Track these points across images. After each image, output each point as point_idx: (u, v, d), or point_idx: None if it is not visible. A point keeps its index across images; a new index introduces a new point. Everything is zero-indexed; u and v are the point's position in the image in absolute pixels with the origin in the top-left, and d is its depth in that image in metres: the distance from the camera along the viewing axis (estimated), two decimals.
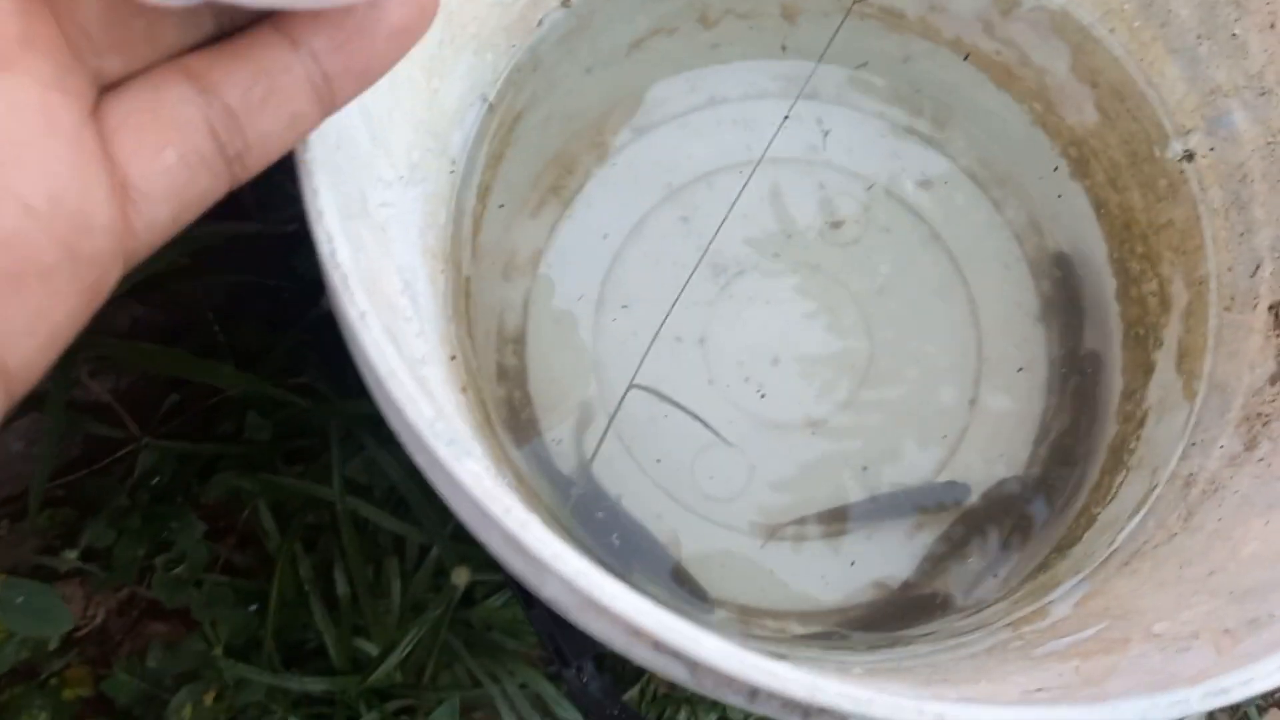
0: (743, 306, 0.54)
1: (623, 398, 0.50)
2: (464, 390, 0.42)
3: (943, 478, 0.53)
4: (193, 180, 0.19)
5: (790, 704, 0.27)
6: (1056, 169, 0.53)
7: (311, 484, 0.50)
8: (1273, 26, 0.40)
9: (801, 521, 0.52)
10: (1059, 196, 0.53)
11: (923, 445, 0.53)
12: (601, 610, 0.27)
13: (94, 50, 0.18)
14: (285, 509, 0.52)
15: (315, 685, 0.51)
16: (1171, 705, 0.25)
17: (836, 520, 0.52)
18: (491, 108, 0.46)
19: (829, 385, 0.54)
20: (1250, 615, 0.29)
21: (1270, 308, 0.41)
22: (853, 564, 0.51)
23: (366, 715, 0.52)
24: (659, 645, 0.27)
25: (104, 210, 0.18)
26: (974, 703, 0.26)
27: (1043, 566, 0.48)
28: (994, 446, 0.52)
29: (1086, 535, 0.46)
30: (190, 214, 0.19)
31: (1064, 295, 0.54)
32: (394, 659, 0.51)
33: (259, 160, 0.20)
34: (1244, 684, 0.25)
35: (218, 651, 0.50)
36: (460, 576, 0.52)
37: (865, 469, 0.53)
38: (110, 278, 0.18)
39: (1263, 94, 0.41)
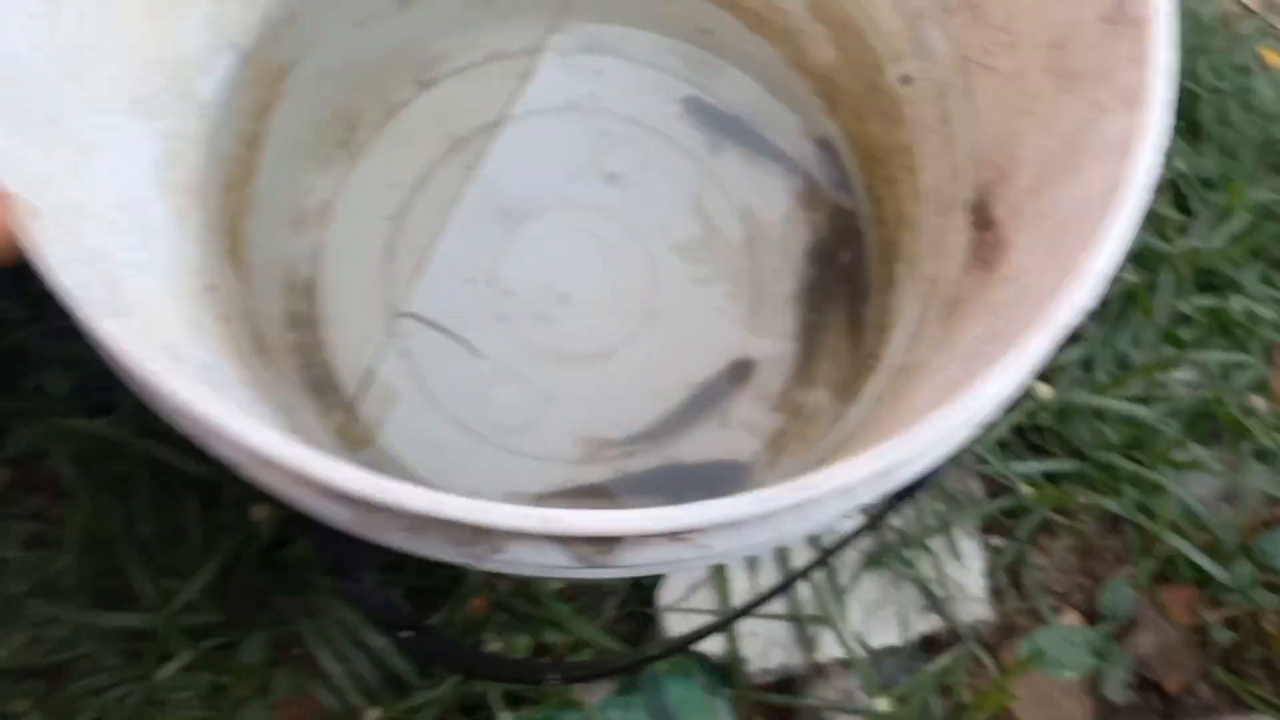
0: (530, 247, 0.57)
1: (389, 324, 0.53)
2: (227, 320, 0.45)
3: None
4: None
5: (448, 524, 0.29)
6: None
7: (105, 427, 0.53)
8: None
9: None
10: (818, 135, 0.57)
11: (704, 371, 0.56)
12: (266, 461, 0.29)
13: None
14: (87, 457, 0.54)
15: (125, 621, 0.53)
16: (768, 498, 0.28)
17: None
18: (246, 57, 0.48)
19: (615, 318, 0.57)
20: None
21: (966, 204, 0.45)
22: None
23: (181, 653, 0.54)
24: (326, 490, 0.30)
25: None
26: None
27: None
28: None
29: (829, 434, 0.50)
30: None
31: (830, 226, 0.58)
32: (191, 590, 0.53)
33: None
34: (802, 487, 0.29)
35: (19, 591, 0.52)
36: (259, 513, 0.54)
37: (655, 395, 0.56)
38: None
39: (948, 10, 0.45)
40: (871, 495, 0.31)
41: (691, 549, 0.31)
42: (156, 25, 0.42)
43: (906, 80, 0.49)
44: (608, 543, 0.30)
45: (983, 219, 0.43)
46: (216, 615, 0.55)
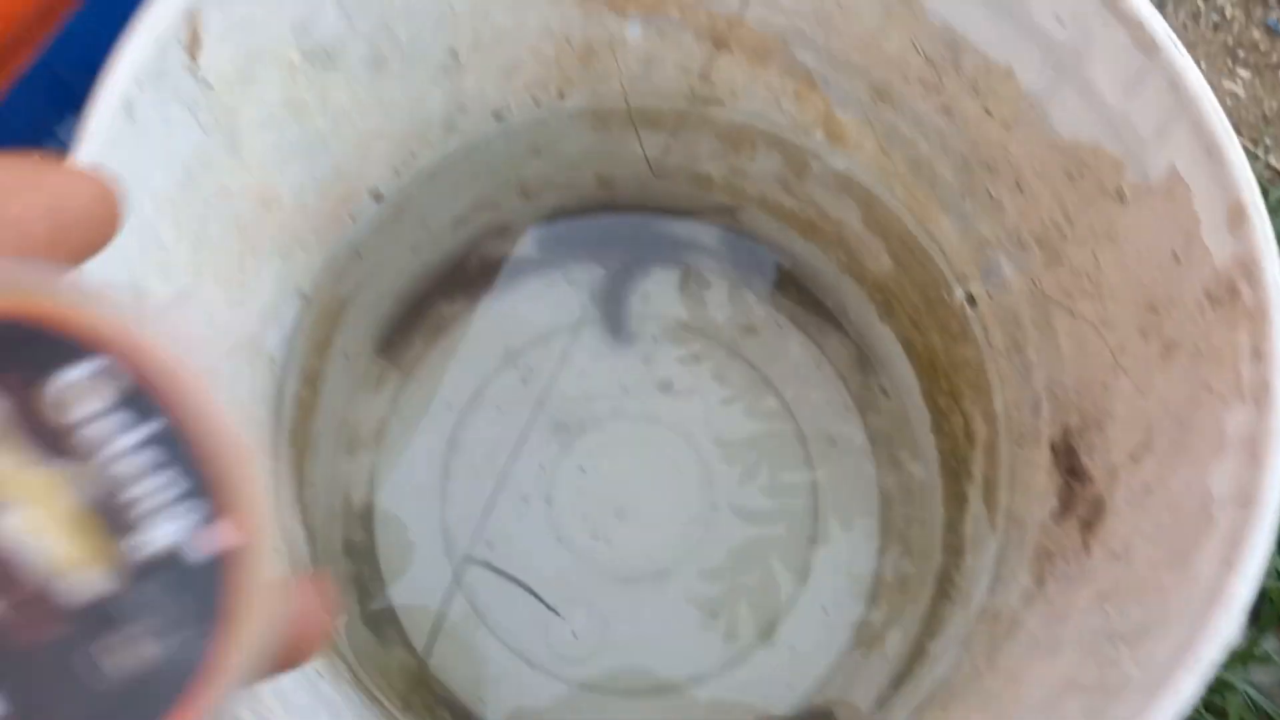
0: (585, 462, 0.56)
1: (457, 576, 0.51)
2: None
3: (795, 607, 0.54)
4: None
5: None
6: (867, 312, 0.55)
7: None
8: (1019, 188, 0.43)
9: None
10: (873, 337, 0.56)
11: (768, 591, 0.54)
12: None
13: None
14: None
15: None
16: None
17: None
18: (309, 301, 0.47)
19: (673, 536, 0.55)
20: None
21: (1050, 444, 0.43)
22: None
23: None
24: None
25: None
26: None
27: (880, 701, 0.49)
28: (837, 585, 0.54)
29: (918, 669, 0.48)
30: None
31: (889, 428, 0.56)
32: None
33: None
34: None
35: None
36: None
37: (715, 617, 0.54)
38: None
39: (1021, 247, 0.44)
40: None
41: None
42: (231, 294, 0.40)
43: (972, 301, 0.48)
44: None
45: (1072, 467, 0.41)
46: None
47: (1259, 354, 0.32)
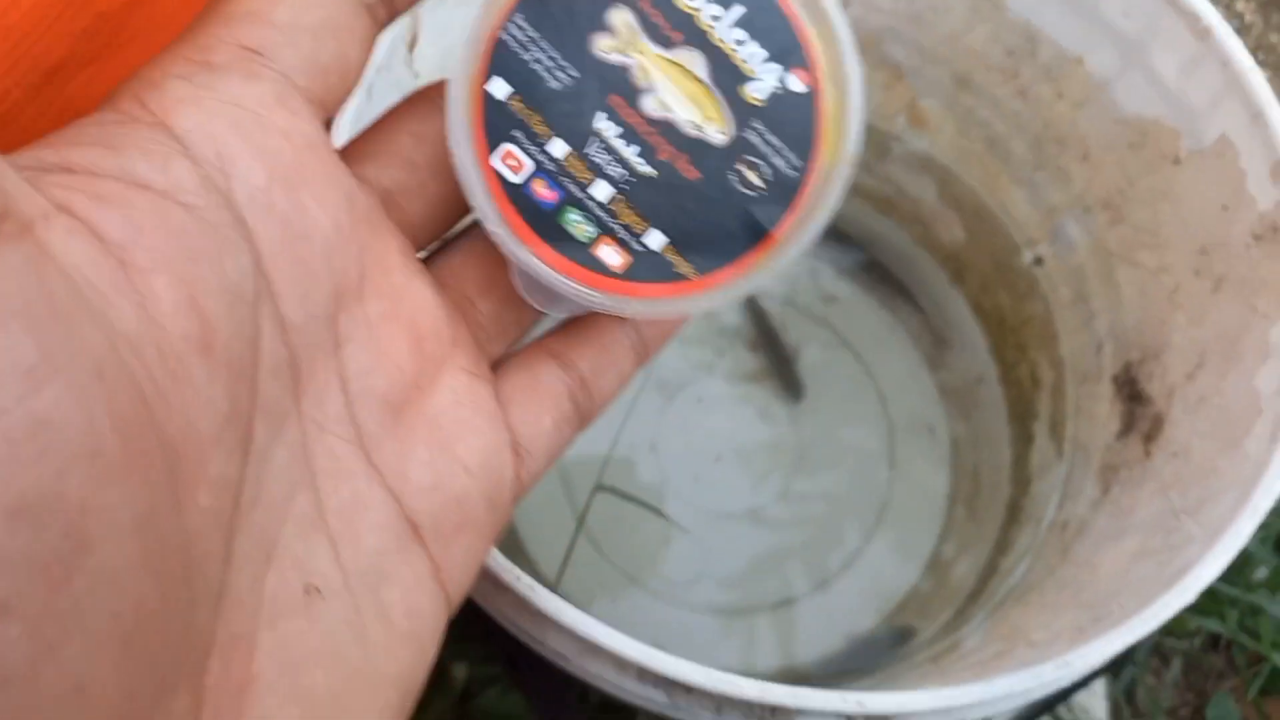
0: (686, 415, 0.63)
1: (590, 499, 0.58)
2: None
3: (869, 552, 0.61)
4: (561, 436, 0.24)
5: (748, 706, 0.34)
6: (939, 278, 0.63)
7: None
8: (1085, 159, 0.50)
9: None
10: (944, 301, 0.63)
11: (852, 527, 0.61)
12: (595, 649, 0.35)
13: (487, 340, 0.23)
14: None
15: None
16: (1029, 677, 0.33)
17: None
18: None
19: (764, 477, 0.62)
20: (1095, 616, 0.38)
21: (1112, 378, 0.51)
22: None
23: None
24: (642, 673, 0.35)
25: (509, 469, 0.23)
26: (888, 693, 0.34)
27: (959, 614, 0.56)
28: (913, 520, 0.61)
29: (991, 583, 0.55)
30: (553, 462, 0.24)
31: (958, 383, 0.63)
32: None
33: (599, 410, 0.25)
34: (1082, 658, 0.34)
35: None
36: (459, 671, 0.59)
37: (806, 550, 0.61)
38: (505, 522, 0.23)
39: (1086, 211, 0.51)
40: (1103, 659, 0.37)
41: None
42: None
43: (1039, 262, 0.56)
44: None
45: (1134, 393, 0.49)
46: None
47: None
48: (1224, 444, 0.41)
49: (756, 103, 0.21)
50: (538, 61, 0.21)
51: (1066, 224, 0.53)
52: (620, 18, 0.21)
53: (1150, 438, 0.46)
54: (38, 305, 0.14)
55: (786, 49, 0.21)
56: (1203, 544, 0.37)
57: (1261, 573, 0.70)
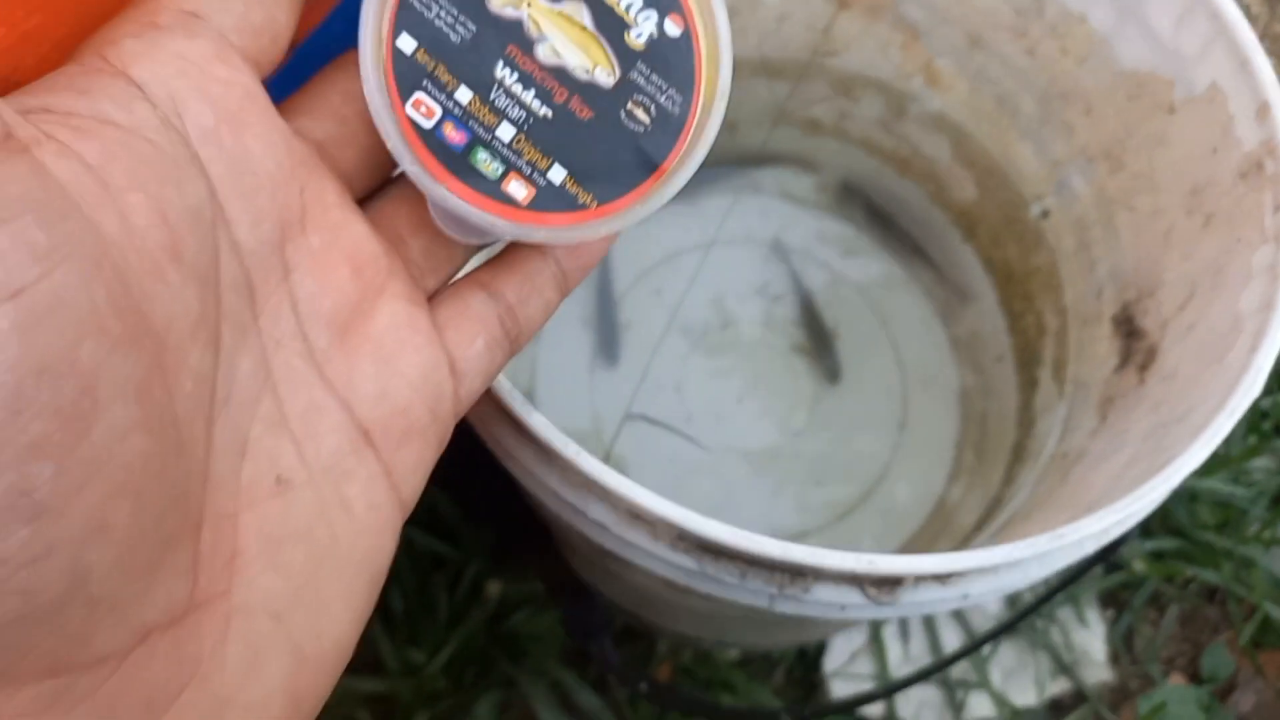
0: (709, 358, 0.67)
1: (619, 426, 0.62)
2: None
3: (882, 491, 0.65)
4: (493, 358, 0.27)
5: (770, 569, 0.38)
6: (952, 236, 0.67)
7: None
8: (1088, 112, 0.54)
9: None
10: (957, 257, 0.67)
11: (866, 468, 0.65)
12: (634, 517, 0.38)
13: (421, 275, 0.26)
14: None
15: (374, 686, 0.61)
16: (1025, 546, 0.37)
17: None
18: None
19: (783, 416, 0.66)
20: (1089, 511, 0.41)
21: (1111, 318, 0.54)
22: None
23: (419, 713, 0.62)
24: (676, 539, 0.39)
25: (448, 385, 0.25)
26: (897, 556, 0.38)
27: (964, 543, 0.60)
28: (924, 464, 0.65)
29: (995, 513, 0.59)
30: (489, 382, 0.27)
31: (968, 335, 0.67)
32: (440, 660, 0.61)
33: (527, 336, 0.28)
34: (1075, 530, 0.37)
35: None
36: (494, 589, 0.63)
37: (819, 484, 0.65)
38: (449, 433, 0.26)
39: (1089, 161, 0.55)
40: (1097, 546, 0.40)
41: (953, 590, 0.40)
42: None
43: (1046, 215, 0.59)
44: (895, 584, 0.39)
45: (1131, 330, 0.52)
46: (449, 679, 0.63)
47: (1279, 207, 0.43)
48: (1209, 360, 0.44)
49: (638, 47, 0.24)
50: (439, 18, 0.23)
51: (1071, 176, 0.57)
52: None
53: (1144, 367, 0.50)
54: (44, 204, 0.17)
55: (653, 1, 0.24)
56: (1185, 443, 0.40)
57: (1254, 527, 0.73)
